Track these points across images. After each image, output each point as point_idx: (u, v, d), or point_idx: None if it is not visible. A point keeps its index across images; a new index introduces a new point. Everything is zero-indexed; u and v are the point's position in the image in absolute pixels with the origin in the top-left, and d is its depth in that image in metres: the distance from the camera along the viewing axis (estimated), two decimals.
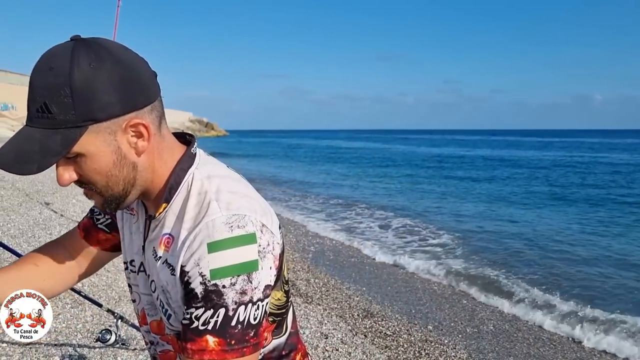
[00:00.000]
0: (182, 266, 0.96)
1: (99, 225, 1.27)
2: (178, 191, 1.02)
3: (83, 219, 1.32)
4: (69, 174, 0.95)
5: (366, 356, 4.15)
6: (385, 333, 4.88)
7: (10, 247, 2.84)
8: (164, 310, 1.07)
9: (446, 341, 4.93)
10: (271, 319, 1.09)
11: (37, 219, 7.61)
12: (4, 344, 3.48)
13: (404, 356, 4.39)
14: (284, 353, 1.16)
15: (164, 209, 1.02)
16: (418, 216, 12.42)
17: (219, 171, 1.06)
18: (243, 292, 0.93)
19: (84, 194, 1.02)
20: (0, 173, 12.39)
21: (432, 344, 4.75)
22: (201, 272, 0.93)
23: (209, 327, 0.92)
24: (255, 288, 0.94)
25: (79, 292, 3.03)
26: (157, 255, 1.04)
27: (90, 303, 4.17)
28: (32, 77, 0.90)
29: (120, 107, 0.91)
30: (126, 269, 1.19)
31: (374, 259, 8.30)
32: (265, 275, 0.96)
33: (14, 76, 48.79)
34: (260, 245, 0.95)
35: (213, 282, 0.92)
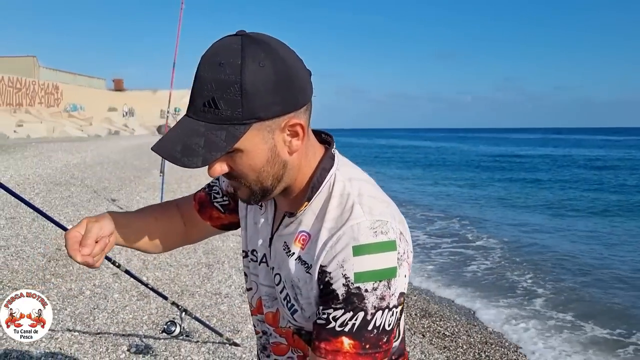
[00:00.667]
0: (322, 266, 0.97)
1: (215, 203, 1.30)
2: (319, 190, 1.03)
3: (199, 191, 1.35)
4: (221, 166, 0.97)
5: (425, 356, 4.11)
6: (444, 333, 4.82)
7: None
8: (288, 305, 1.07)
9: (507, 344, 4.82)
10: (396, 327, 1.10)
11: None
12: (76, 333, 3.66)
13: (463, 357, 4.32)
14: (393, 358, 1.15)
15: (305, 207, 1.03)
16: (475, 222, 12.01)
17: (358, 174, 1.08)
18: (382, 298, 0.94)
19: (230, 185, 1.07)
20: (70, 170, 13.01)
21: (493, 346, 4.65)
22: (345, 274, 0.94)
23: (346, 329, 0.94)
24: (392, 295, 0.95)
25: (146, 284, 3.15)
26: (290, 251, 1.05)
27: (155, 296, 4.32)
28: (200, 70, 0.91)
29: (282, 107, 0.92)
30: (245, 257, 1.22)
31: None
32: (401, 282, 0.97)
33: (82, 78, 51.02)
34: (399, 253, 0.96)
35: (356, 285, 0.93)
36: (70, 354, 3.34)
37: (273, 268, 1.11)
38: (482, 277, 7.17)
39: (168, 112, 7.63)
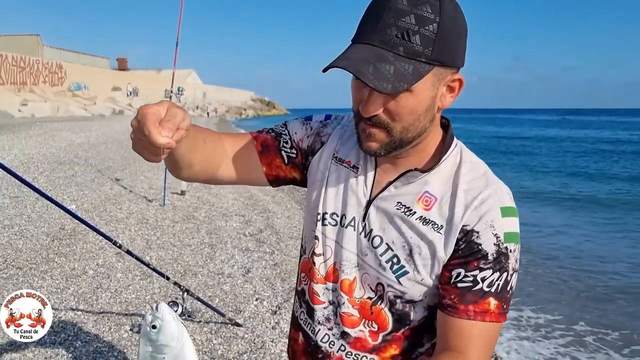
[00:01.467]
0: (465, 226, 0.99)
1: (282, 151, 1.22)
2: (447, 155, 1.06)
3: (260, 132, 1.25)
4: (376, 106, 0.96)
5: None
6: None
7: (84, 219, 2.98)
8: (394, 267, 1.05)
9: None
10: None
11: (108, 194, 7.94)
12: (79, 312, 3.67)
13: None
14: None
15: (437, 165, 1.05)
16: None
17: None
18: (516, 260, 1.00)
19: (364, 131, 1.01)
20: (74, 150, 13.01)
21: None
22: (496, 234, 0.98)
23: (493, 290, 0.98)
24: (519, 259, 1.02)
25: (147, 264, 3.14)
26: (410, 211, 1.04)
27: (157, 276, 4.33)
28: (397, 2, 0.90)
29: (460, 59, 0.97)
30: (319, 220, 1.15)
31: None
32: None
33: (86, 57, 50.83)
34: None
35: (505, 244, 0.98)
36: (74, 333, 3.36)
37: (369, 231, 1.08)
38: None
39: (172, 91, 7.58)
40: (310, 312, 1.19)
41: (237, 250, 5.43)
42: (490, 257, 0.98)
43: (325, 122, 1.22)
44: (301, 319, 1.21)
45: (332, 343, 1.15)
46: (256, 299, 4.18)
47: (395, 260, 1.05)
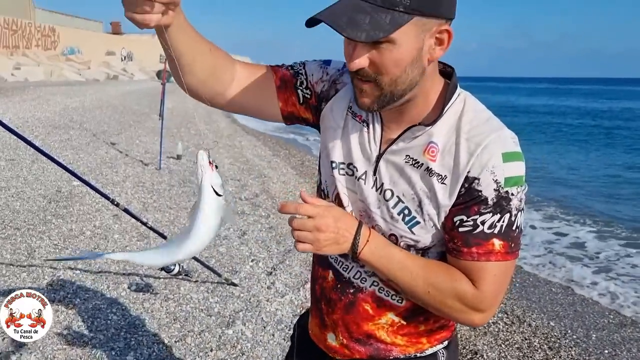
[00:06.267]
0: (467, 173, 1.02)
1: (298, 90, 1.22)
2: (451, 104, 1.06)
3: (280, 67, 1.24)
4: (362, 59, 0.98)
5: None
6: None
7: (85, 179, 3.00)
8: (406, 219, 1.08)
9: None
10: None
11: (104, 157, 7.95)
12: (77, 271, 3.73)
13: None
14: None
15: (438, 117, 1.05)
16: None
17: (474, 97, 1.12)
18: (521, 200, 1.03)
19: (356, 87, 1.04)
20: (69, 114, 12.93)
21: None
22: (496, 179, 1.01)
23: (495, 231, 1.02)
24: (524, 198, 1.04)
25: (145, 223, 3.19)
26: (418, 163, 1.07)
27: (154, 237, 4.38)
28: None
29: (444, 9, 0.96)
30: (335, 168, 1.17)
31: None
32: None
33: (80, 20, 49.94)
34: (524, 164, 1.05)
35: (505, 188, 1.01)
36: (72, 290, 3.42)
37: (380, 185, 1.11)
38: None
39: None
40: (327, 262, 1.23)
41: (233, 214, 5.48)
42: (490, 202, 1.01)
43: (343, 70, 1.21)
44: (332, 258, 1.22)
45: (364, 279, 1.18)
46: (252, 260, 4.25)
47: (406, 212, 1.08)
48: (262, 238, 4.85)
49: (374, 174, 1.12)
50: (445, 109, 1.05)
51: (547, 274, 5.44)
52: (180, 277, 3.51)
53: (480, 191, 1.01)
